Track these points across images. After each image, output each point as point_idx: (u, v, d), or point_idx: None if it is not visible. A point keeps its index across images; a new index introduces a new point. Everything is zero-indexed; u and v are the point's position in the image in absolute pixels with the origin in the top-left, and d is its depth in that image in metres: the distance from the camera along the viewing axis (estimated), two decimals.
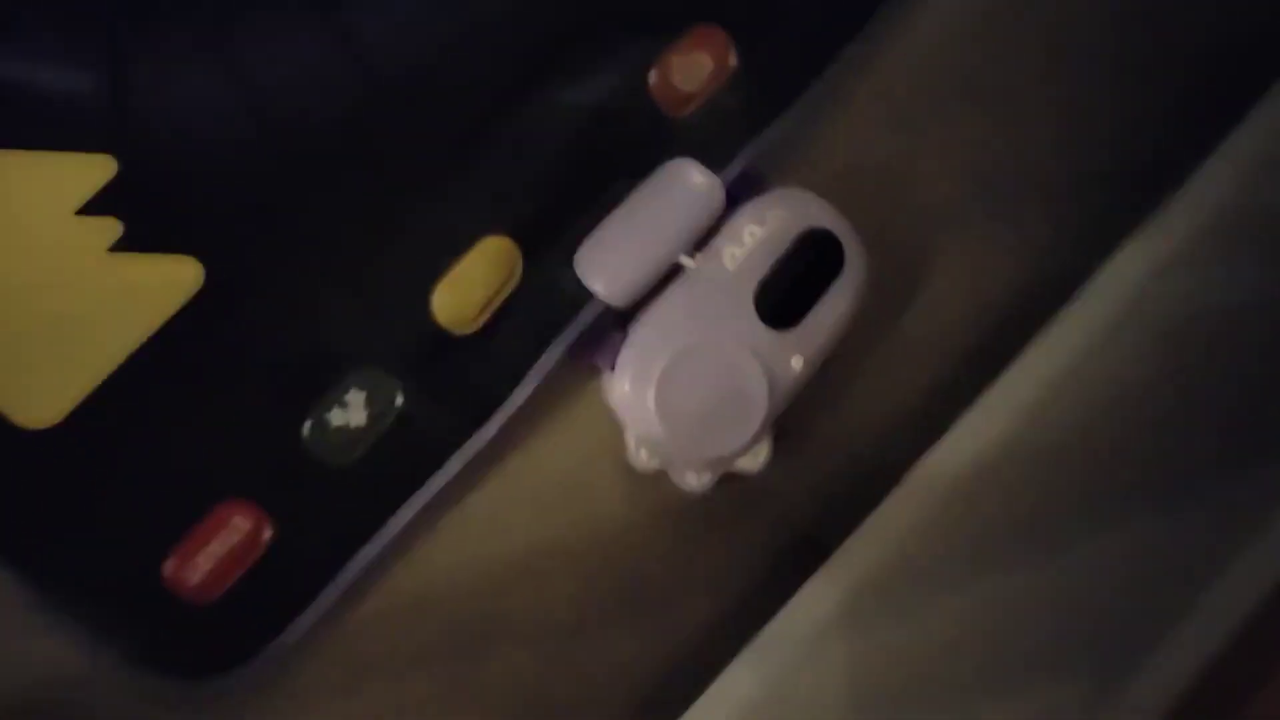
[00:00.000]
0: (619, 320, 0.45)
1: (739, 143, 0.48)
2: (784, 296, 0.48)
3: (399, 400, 0.43)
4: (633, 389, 0.44)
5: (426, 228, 0.44)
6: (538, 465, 0.47)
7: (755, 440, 0.47)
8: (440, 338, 0.44)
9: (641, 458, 0.49)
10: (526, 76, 0.45)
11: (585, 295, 0.45)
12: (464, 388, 0.44)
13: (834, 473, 0.48)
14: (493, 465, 0.47)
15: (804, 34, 0.48)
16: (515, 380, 0.45)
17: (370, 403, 0.42)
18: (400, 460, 0.43)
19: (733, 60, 0.48)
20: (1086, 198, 0.51)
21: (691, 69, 0.48)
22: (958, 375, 0.50)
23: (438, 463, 0.44)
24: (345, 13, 0.46)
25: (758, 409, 0.46)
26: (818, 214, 0.47)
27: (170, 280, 0.41)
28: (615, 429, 0.46)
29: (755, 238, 0.49)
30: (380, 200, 0.44)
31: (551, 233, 0.46)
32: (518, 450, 0.47)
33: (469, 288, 0.45)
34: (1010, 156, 0.52)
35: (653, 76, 0.47)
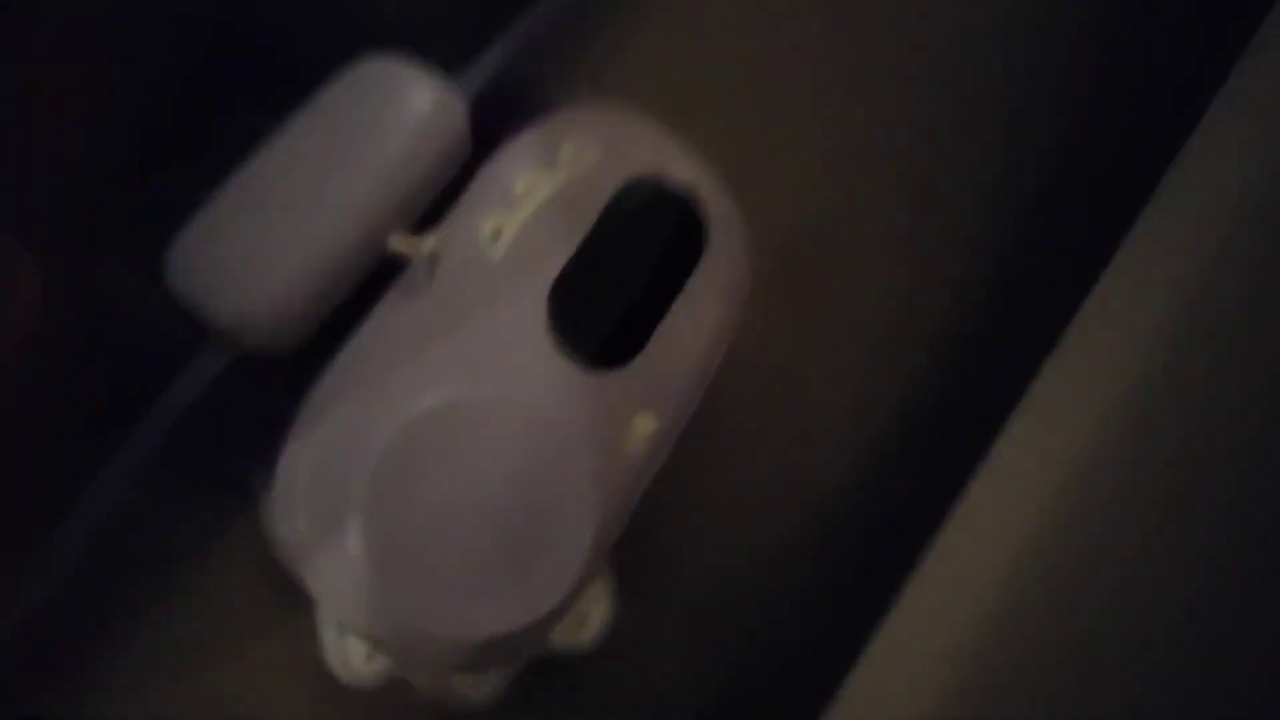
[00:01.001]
0: (276, 381, 0.23)
1: (483, 31, 0.25)
2: (605, 306, 0.24)
3: None
4: (314, 524, 0.23)
5: None
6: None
7: (574, 594, 0.23)
8: None
9: (352, 660, 0.23)
10: None
11: (197, 335, 0.23)
12: None
13: (719, 638, 0.28)
14: None
15: None
16: (40, 545, 0.22)
17: None
18: None
19: None
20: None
21: None
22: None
23: None
24: None
25: (576, 531, 0.22)
26: (652, 151, 0.23)
27: None
28: (295, 612, 0.24)
29: (540, 197, 0.25)
30: None
31: (96, 214, 0.23)
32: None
33: None
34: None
35: None
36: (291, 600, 0.24)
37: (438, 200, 0.25)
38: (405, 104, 0.24)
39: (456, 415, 0.23)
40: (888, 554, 0.30)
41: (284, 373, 0.24)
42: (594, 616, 0.26)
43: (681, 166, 0.27)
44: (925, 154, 0.33)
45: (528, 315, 0.25)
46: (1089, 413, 0.28)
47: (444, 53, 0.26)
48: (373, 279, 0.24)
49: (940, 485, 0.28)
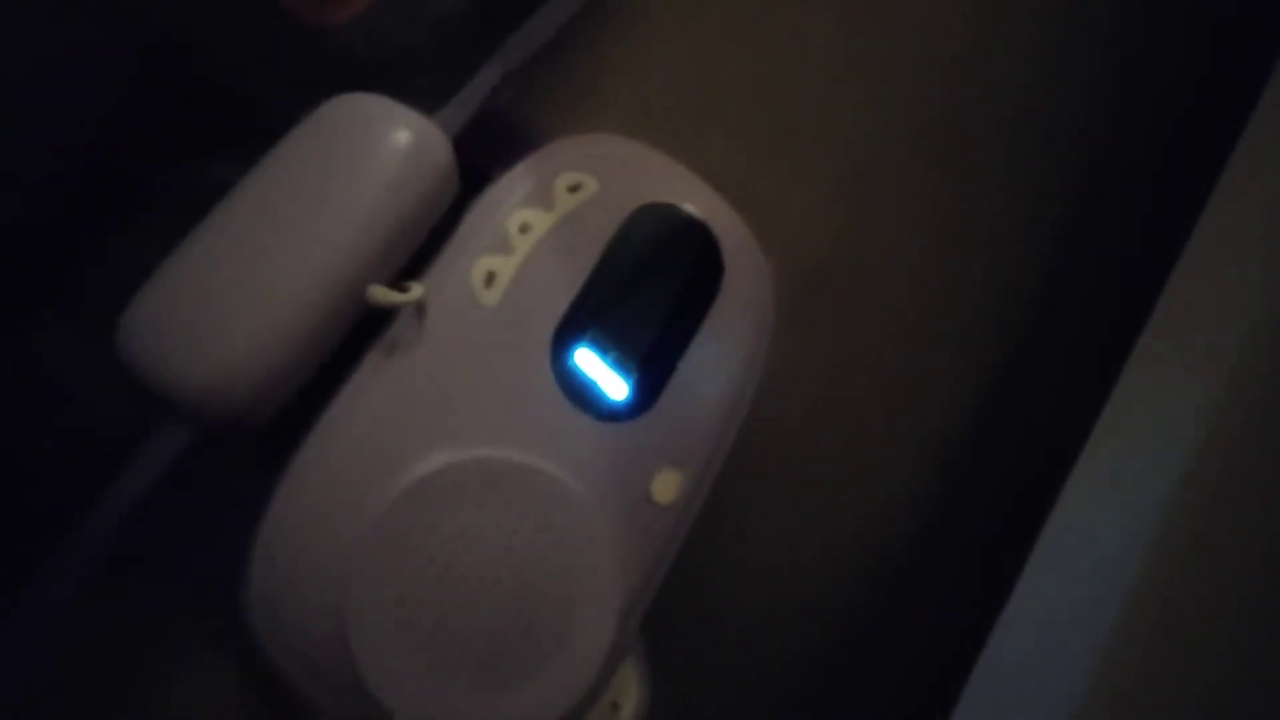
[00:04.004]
0: (243, 460, 0.21)
1: (463, 63, 0.25)
2: (616, 351, 0.22)
3: None
4: (299, 620, 0.20)
5: None
6: None
7: (601, 683, 0.20)
8: None
9: None
10: None
11: (152, 409, 0.20)
12: None
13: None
14: None
15: None
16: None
17: None
18: None
19: None
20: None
21: None
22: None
23: None
24: None
25: (598, 609, 0.20)
26: (655, 179, 0.22)
27: None
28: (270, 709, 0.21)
29: (537, 235, 0.22)
30: None
31: (40, 284, 0.20)
32: None
33: None
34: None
35: None
36: (278, 705, 0.21)
37: (423, 246, 0.22)
38: (383, 142, 0.22)
39: (456, 484, 0.20)
40: (940, 609, 0.27)
41: (253, 450, 0.21)
42: (627, 704, 0.23)
43: (688, 194, 0.25)
44: (940, 173, 0.31)
45: (530, 365, 0.22)
46: (1155, 432, 0.25)
47: (423, 87, 0.24)
48: (352, 337, 0.21)
49: (977, 510, 0.25)
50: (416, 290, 0.21)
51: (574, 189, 0.24)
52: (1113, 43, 0.33)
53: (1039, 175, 0.31)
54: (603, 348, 0.22)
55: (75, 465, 0.19)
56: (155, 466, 0.20)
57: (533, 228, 0.23)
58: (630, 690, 0.23)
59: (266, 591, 0.20)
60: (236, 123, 0.22)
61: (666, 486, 0.23)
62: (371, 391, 0.21)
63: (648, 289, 0.23)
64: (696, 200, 0.25)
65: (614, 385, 0.22)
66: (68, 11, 0.20)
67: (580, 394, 0.22)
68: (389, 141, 0.22)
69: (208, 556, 0.20)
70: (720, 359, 0.24)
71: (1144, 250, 0.30)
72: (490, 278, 0.22)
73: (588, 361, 0.22)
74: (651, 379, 0.23)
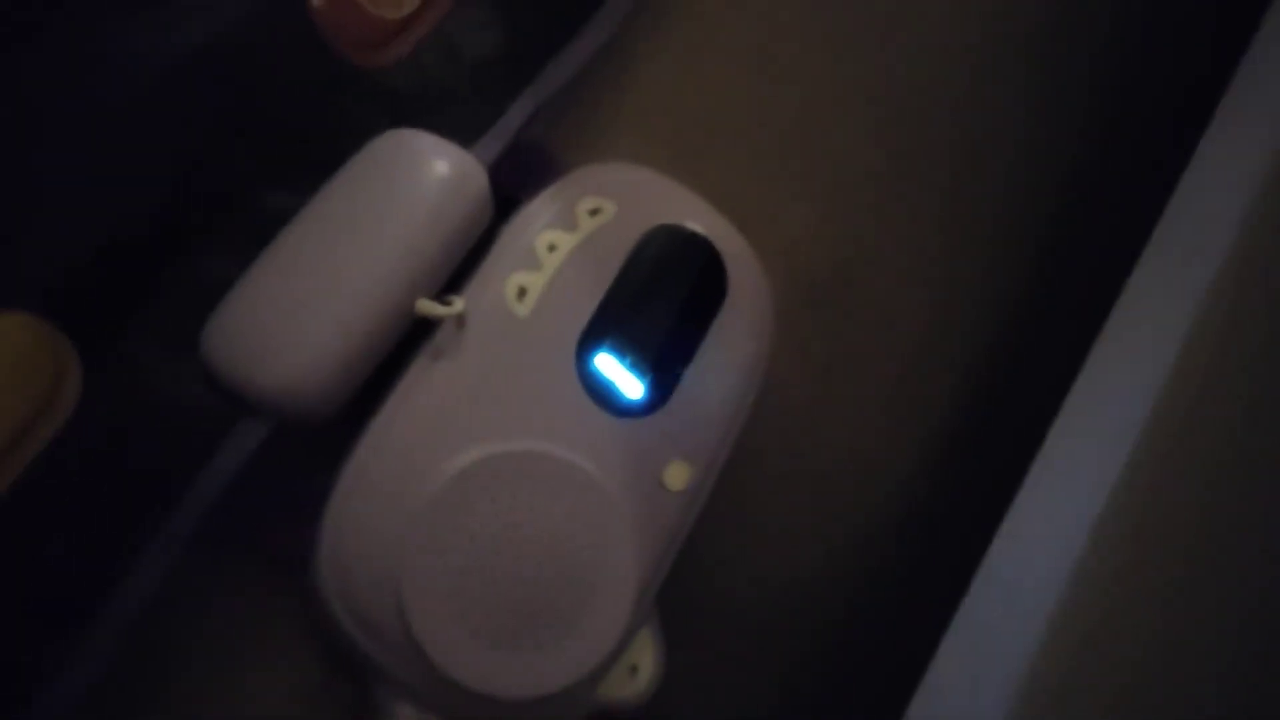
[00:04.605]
0: (315, 452, 0.24)
1: (496, 100, 0.25)
2: (632, 355, 0.25)
3: None
4: (362, 590, 0.23)
5: None
6: None
7: (620, 646, 0.23)
8: None
9: None
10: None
11: (229, 411, 0.22)
12: None
13: (768, 675, 0.29)
14: None
15: None
16: (85, 623, 0.22)
17: None
18: None
19: None
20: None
21: None
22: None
23: None
24: None
25: (618, 581, 0.23)
26: (667, 202, 0.24)
27: None
28: (344, 682, 0.24)
29: (562, 254, 0.25)
30: None
31: (134, 298, 0.23)
32: None
33: None
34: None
35: None
36: (341, 669, 0.24)
37: (462, 263, 0.25)
38: (427, 172, 0.25)
39: (495, 470, 0.24)
40: (929, 581, 0.30)
41: (319, 442, 0.24)
42: (644, 666, 0.26)
43: (695, 215, 0.28)
44: (935, 186, 0.34)
45: (557, 369, 0.25)
46: (1123, 426, 0.28)
47: (461, 122, 0.27)
48: (402, 343, 0.24)
49: (974, 510, 0.28)
50: (458, 304, 0.24)
51: (594, 212, 0.27)
52: (1108, 53, 0.35)
53: (1029, 189, 0.34)
54: (621, 353, 0.25)
55: (171, 455, 0.23)
56: (238, 457, 0.23)
57: (558, 247, 0.26)
58: (647, 654, 0.26)
59: (333, 565, 0.23)
60: (295, 155, 0.26)
61: (677, 475, 0.26)
62: (420, 392, 0.24)
63: (660, 300, 0.26)
64: (702, 220, 0.28)
65: (631, 386, 0.25)
66: (170, 60, 0.24)
67: (601, 394, 0.25)
68: (433, 172, 0.25)
69: (282, 535, 0.24)
70: (725, 362, 0.27)
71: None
72: (522, 292, 0.25)
73: (608, 365, 0.25)
74: (664, 380, 0.26)
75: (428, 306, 0.24)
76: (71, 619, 0.21)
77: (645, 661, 0.26)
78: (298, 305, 0.23)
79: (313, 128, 0.26)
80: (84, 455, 0.22)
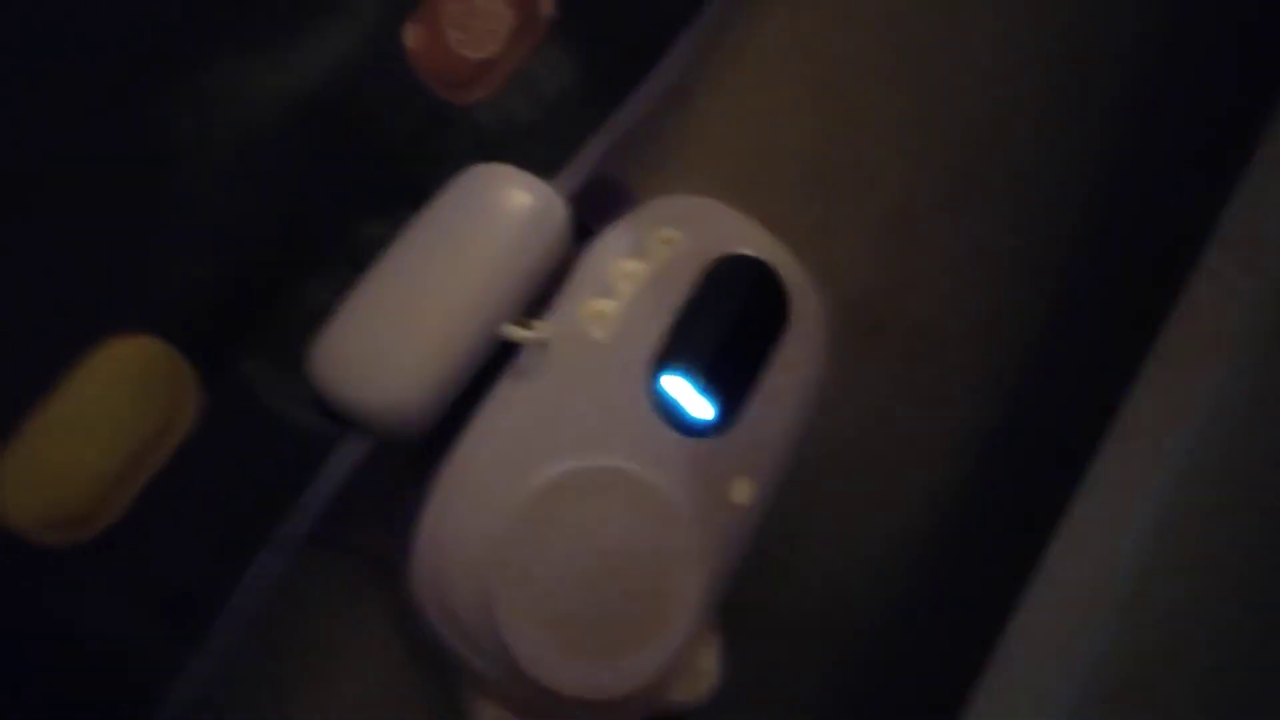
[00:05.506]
0: (410, 464, 0.26)
1: (575, 136, 0.29)
2: (701, 378, 0.26)
3: None
4: (451, 592, 0.24)
5: None
6: None
7: (682, 650, 0.25)
8: (21, 553, 0.23)
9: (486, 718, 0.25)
10: (172, 47, 0.25)
11: (334, 426, 0.25)
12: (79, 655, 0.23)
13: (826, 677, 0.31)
14: None
15: None
16: (205, 625, 0.23)
17: None
18: None
19: (547, 6, 0.29)
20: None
21: (478, 21, 0.27)
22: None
23: None
24: None
25: (685, 589, 0.24)
26: (732, 233, 0.26)
27: None
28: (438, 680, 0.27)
29: (635, 281, 0.27)
30: None
31: (247, 322, 0.25)
32: None
33: (78, 445, 0.23)
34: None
35: (411, 35, 0.28)
36: (426, 669, 0.26)
37: (543, 290, 0.27)
38: (511, 205, 0.27)
39: (575, 485, 0.25)
40: (971, 588, 0.32)
41: (415, 456, 0.26)
42: (705, 671, 0.27)
43: (758, 245, 0.29)
44: (985, 217, 0.35)
45: (631, 391, 0.27)
46: (1179, 438, 0.29)
47: (542, 157, 0.29)
48: (489, 363, 0.26)
49: (1029, 517, 0.29)
50: (542, 329, 0.26)
51: (665, 242, 0.28)
52: (1171, 85, 0.37)
53: (1082, 218, 0.36)
54: (692, 376, 0.27)
55: (284, 467, 0.25)
56: (343, 468, 0.25)
57: (632, 275, 0.28)
58: (708, 660, 0.28)
59: (428, 571, 0.25)
60: (391, 188, 0.28)
61: (742, 491, 0.27)
62: (506, 410, 0.26)
63: (727, 326, 0.28)
64: (765, 250, 0.29)
65: (701, 407, 0.27)
66: (281, 99, 0.26)
67: (672, 414, 0.27)
68: (517, 205, 0.27)
69: (382, 542, 0.26)
70: (786, 385, 0.28)
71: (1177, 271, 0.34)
72: (599, 316, 0.27)
73: (678, 387, 0.27)
74: (731, 402, 0.27)
75: (515, 332, 0.26)
76: (191, 621, 0.23)
77: (706, 666, 0.27)
78: (398, 330, 0.25)
79: (407, 162, 0.28)
80: (200, 470, 0.24)
